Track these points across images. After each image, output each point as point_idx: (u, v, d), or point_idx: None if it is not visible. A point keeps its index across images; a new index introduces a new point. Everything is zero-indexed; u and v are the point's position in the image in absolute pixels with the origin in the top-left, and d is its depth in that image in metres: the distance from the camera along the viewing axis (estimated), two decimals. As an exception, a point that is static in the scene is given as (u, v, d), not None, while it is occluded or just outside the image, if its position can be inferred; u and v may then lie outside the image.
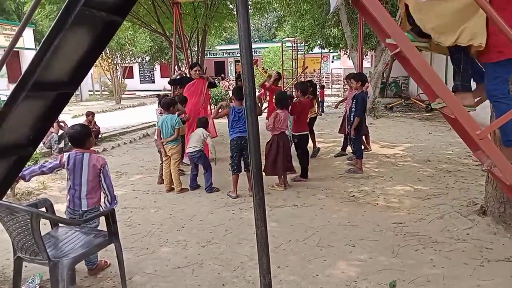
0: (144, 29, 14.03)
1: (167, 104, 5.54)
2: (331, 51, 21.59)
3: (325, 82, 26.35)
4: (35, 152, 3.66)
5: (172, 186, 5.64)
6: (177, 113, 5.74)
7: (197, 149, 5.53)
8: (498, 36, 2.12)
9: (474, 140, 2.08)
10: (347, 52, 15.50)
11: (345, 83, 19.82)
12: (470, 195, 4.94)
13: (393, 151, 7.77)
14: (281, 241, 3.90)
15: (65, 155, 3.24)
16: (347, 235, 4.01)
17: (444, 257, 3.47)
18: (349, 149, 7.04)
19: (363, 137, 7.44)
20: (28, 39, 20.36)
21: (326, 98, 16.65)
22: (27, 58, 19.58)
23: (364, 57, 13.94)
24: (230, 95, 7.93)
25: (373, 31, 12.92)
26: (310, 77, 23.76)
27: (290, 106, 5.75)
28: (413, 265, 3.36)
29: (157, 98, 6.82)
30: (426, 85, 2.44)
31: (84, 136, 3.25)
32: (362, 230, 4.13)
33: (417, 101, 14.39)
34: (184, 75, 7.75)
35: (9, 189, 4.02)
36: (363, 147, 7.46)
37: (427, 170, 6.30)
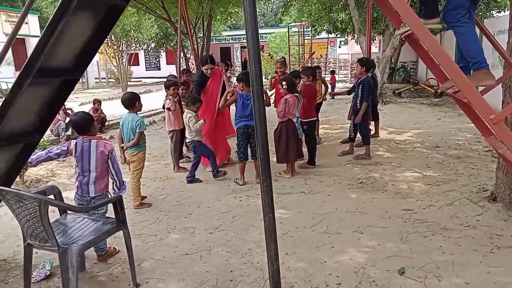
0: (149, 15, 13.91)
1: (128, 99, 4.43)
2: (338, 36, 21.28)
3: (332, 68, 26.08)
4: (43, 140, 3.67)
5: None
6: (188, 115, 5.32)
7: (190, 139, 5.41)
8: None
9: (486, 125, 2.02)
10: (354, 37, 15.28)
11: (353, 68, 19.67)
12: (480, 181, 4.88)
13: (401, 137, 7.69)
14: (289, 228, 3.89)
15: (73, 142, 3.24)
16: (355, 222, 3.98)
17: (453, 244, 3.44)
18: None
19: (374, 122, 7.36)
20: (33, 26, 20.35)
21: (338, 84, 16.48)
22: (33, 46, 19.52)
23: (372, 41, 13.73)
24: (234, 81, 7.54)
25: (381, 14, 12.72)
26: (317, 62, 23.52)
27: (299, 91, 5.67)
28: (422, 251, 3.33)
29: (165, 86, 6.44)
30: (437, 68, 2.37)
31: (87, 123, 3.24)
32: (370, 216, 4.10)
33: (426, 87, 14.19)
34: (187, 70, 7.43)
35: (18, 176, 4.04)
36: (372, 133, 7.41)
37: (436, 156, 6.22)
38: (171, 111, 5.85)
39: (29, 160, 3.13)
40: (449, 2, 2.37)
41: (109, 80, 26.92)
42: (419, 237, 3.61)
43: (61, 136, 8.29)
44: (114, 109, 12.35)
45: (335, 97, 9.05)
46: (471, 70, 2.45)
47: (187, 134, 5.51)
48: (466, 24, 2.34)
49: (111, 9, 2.70)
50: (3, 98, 2.63)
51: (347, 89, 7.47)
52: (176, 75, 8.32)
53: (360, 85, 6.17)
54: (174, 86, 6.05)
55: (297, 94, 5.48)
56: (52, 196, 3.04)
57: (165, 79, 6.85)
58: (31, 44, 19.68)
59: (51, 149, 3.27)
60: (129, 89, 20.38)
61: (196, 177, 5.50)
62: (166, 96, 6.06)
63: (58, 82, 2.82)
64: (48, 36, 2.40)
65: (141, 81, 27.66)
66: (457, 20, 2.33)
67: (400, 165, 5.87)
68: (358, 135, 6.49)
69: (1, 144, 2.75)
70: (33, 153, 3.24)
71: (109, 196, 3.29)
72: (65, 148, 3.21)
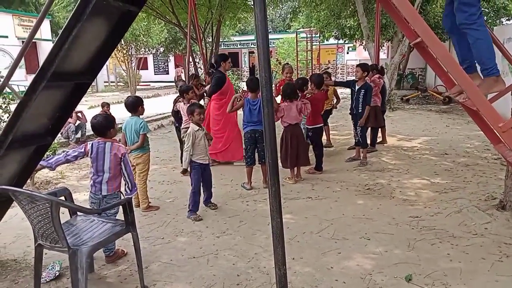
0: (159, 20, 14.05)
1: (131, 103, 4.48)
2: (347, 42, 21.30)
3: (340, 74, 26.10)
4: (53, 142, 3.72)
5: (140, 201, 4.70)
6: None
7: (195, 159, 4.46)
8: None
9: (495, 133, 2.03)
10: (362, 43, 15.28)
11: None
12: (488, 189, 4.85)
13: (409, 144, 7.66)
14: (296, 233, 3.90)
15: (89, 144, 3.34)
16: (362, 228, 3.98)
17: (461, 252, 3.42)
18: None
19: (380, 129, 7.35)
20: (45, 30, 20.63)
21: (341, 90, 16.43)
22: (44, 49, 19.88)
23: (381, 48, 13.71)
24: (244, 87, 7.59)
25: (390, 21, 12.73)
26: (325, 68, 23.51)
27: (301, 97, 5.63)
28: (430, 259, 3.32)
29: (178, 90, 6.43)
30: (446, 76, 2.38)
31: (105, 126, 3.33)
32: (377, 223, 4.10)
33: (435, 93, 14.13)
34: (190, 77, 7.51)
35: (29, 178, 4.11)
36: (379, 140, 7.41)
37: (444, 164, 6.19)
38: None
39: (48, 164, 3.19)
40: (459, 1, 2.32)
41: (118, 83, 27.19)
42: (426, 244, 3.59)
43: (71, 139, 8.39)
44: (123, 112, 12.49)
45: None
46: (473, 73, 2.45)
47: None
48: (482, 27, 2.31)
49: (124, 15, 2.76)
50: (18, 101, 2.69)
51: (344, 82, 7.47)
52: (184, 80, 8.39)
53: (362, 90, 6.16)
54: (191, 90, 6.12)
55: (303, 101, 5.47)
56: (63, 198, 3.09)
57: (173, 83, 6.94)
58: (43, 48, 19.97)
59: (68, 152, 3.33)
60: (138, 93, 20.57)
61: (196, 213, 4.44)
62: (178, 100, 6.09)
63: (71, 85, 2.88)
64: (63, 41, 2.46)
65: (149, 85, 27.88)
66: (473, 22, 2.29)
67: (407, 171, 5.85)
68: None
69: (14, 146, 2.80)
70: (50, 157, 3.31)
71: (121, 196, 3.35)
72: (82, 150, 3.29)
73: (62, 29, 2.45)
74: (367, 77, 6.33)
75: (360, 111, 6.18)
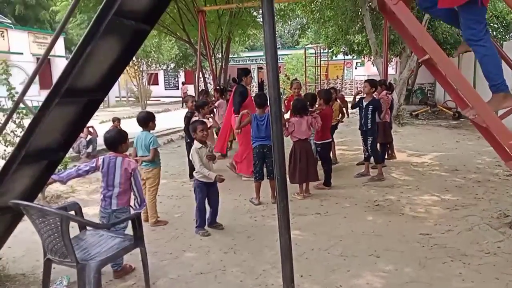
0: (170, 36, 14.31)
1: (142, 118, 4.55)
2: (355, 57, 21.41)
3: (349, 89, 26.14)
4: (64, 157, 3.77)
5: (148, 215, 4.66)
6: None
7: (197, 177, 4.36)
8: None
9: (506, 149, 2.01)
10: (371, 58, 15.34)
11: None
12: (500, 206, 4.77)
13: (419, 159, 7.60)
14: (304, 250, 3.86)
15: (100, 158, 3.38)
16: (372, 245, 3.93)
17: (473, 271, 3.35)
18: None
19: (388, 144, 7.32)
20: (59, 47, 21.11)
21: (348, 105, 16.42)
22: (57, 65, 20.32)
23: (389, 63, 13.75)
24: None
25: (398, 37, 12.77)
26: (333, 84, 23.62)
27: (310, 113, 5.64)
28: (441, 278, 3.26)
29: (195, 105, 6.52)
30: (455, 92, 2.38)
31: (118, 141, 3.39)
32: (387, 240, 4.04)
33: (444, 109, 14.06)
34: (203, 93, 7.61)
35: (40, 192, 4.15)
36: (386, 155, 7.36)
37: (455, 180, 6.12)
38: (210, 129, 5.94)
39: (59, 178, 3.24)
40: (466, 18, 2.37)
41: (129, 99, 27.57)
42: (438, 263, 3.53)
43: (82, 153, 8.48)
44: (133, 127, 12.62)
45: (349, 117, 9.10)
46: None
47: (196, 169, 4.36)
48: (488, 43, 2.34)
49: (136, 33, 2.82)
50: (32, 116, 2.75)
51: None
52: (194, 95, 8.49)
53: (370, 106, 6.15)
54: (207, 105, 6.19)
55: (314, 115, 5.49)
56: (73, 212, 3.12)
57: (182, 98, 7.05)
58: (56, 64, 20.41)
59: (79, 166, 3.38)
60: (148, 108, 20.80)
61: (205, 229, 4.40)
62: (194, 115, 6.14)
63: (83, 102, 2.94)
64: (76, 59, 2.52)
65: (160, 100, 28.21)
66: (480, 39, 2.32)
67: (417, 188, 5.79)
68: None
69: (27, 160, 2.85)
70: (61, 171, 3.36)
71: (130, 211, 3.37)
72: (94, 165, 3.33)
73: (76, 47, 2.52)
74: (375, 93, 6.34)
75: (369, 127, 6.17)
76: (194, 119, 6.06)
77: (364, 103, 6.23)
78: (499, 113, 2.49)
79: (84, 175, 3.38)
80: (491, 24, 13.72)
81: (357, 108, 6.52)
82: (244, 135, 6.36)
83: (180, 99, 24.11)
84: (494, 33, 13.85)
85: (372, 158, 6.44)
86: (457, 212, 4.74)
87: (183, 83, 27.38)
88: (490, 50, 2.34)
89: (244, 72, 6.61)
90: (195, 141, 4.40)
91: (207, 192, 4.39)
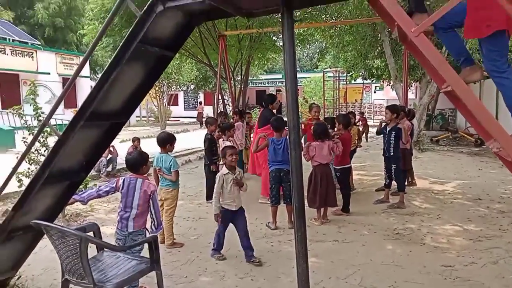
0: (191, 59, 14.64)
1: (161, 139, 4.60)
2: (374, 81, 21.38)
3: (367, 113, 25.99)
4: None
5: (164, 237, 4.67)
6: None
7: (223, 204, 4.20)
8: (480, 12, 2.28)
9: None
10: (390, 83, 15.30)
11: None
12: (527, 239, 4.59)
13: (440, 187, 7.42)
14: (321, 278, 3.78)
15: (121, 179, 3.42)
16: (391, 276, 3.82)
17: (499, 307, 3.21)
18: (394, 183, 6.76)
19: (408, 171, 7.19)
20: (84, 68, 21.83)
21: (369, 129, 16.31)
22: (82, 86, 20.98)
23: (409, 88, 13.69)
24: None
25: (418, 63, 12.72)
26: (351, 107, 23.55)
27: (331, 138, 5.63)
28: (465, 313, 3.13)
29: (220, 125, 6.62)
30: (478, 124, 2.34)
31: (139, 163, 3.43)
32: (407, 271, 3.92)
33: (466, 135, 13.78)
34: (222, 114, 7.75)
35: (61, 212, 4.23)
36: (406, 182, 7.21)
37: (478, 209, 5.93)
38: None
39: (80, 198, 3.29)
40: (491, 50, 2.36)
41: (149, 118, 28.12)
42: (460, 297, 3.40)
43: (101, 172, 8.63)
44: (153, 147, 12.81)
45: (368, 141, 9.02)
46: (472, 65, 2.49)
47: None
48: (510, 74, 2.32)
49: (160, 59, 2.91)
50: (57, 138, 2.83)
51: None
52: (214, 117, 8.61)
53: (393, 132, 6.10)
54: (233, 128, 6.27)
55: (334, 140, 5.47)
56: (91, 233, 3.15)
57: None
58: (81, 85, 21.06)
59: (100, 187, 3.43)
60: (168, 128, 21.16)
61: (221, 253, 4.32)
62: (222, 137, 6.21)
63: (106, 125, 3.02)
64: (102, 83, 2.61)
65: (179, 120, 28.66)
66: (504, 71, 2.31)
67: (439, 217, 5.63)
68: (394, 183, 6.35)
69: (50, 180, 2.92)
70: (82, 191, 3.42)
71: (146, 234, 3.38)
72: (114, 185, 3.37)
73: (102, 72, 2.61)
74: (398, 120, 6.28)
75: (392, 154, 6.11)
76: (221, 142, 6.12)
77: (388, 129, 6.19)
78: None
79: (104, 195, 3.43)
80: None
81: (382, 135, 6.48)
82: (263, 157, 6.41)
83: (195, 119, 24.50)
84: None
85: (392, 185, 6.33)
86: (480, 244, 4.57)
87: (200, 103, 27.88)
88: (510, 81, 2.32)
89: (271, 99, 6.85)
90: (223, 167, 4.30)
91: (232, 218, 4.24)
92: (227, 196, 4.15)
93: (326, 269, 4.00)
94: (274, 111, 6.86)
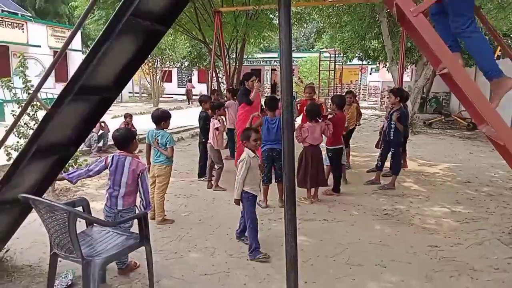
0: (185, 35, 14.37)
1: (157, 116, 4.59)
2: (370, 63, 21.23)
3: (362, 94, 25.94)
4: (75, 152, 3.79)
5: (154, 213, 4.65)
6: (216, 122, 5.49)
7: (249, 189, 3.88)
8: None
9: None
10: (386, 65, 15.20)
11: (383, 96, 19.47)
12: (513, 222, 4.68)
13: (431, 169, 7.49)
14: (310, 256, 3.83)
15: (110, 156, 3.38)
16: (379, 255, 3.88)
17: (481, 287, 3.29)
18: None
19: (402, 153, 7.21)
20: (75, 41, 21.33)
21: (362, 111, 16.26)
22: (73, 59, 20.57)
23: (404, 70, 13.60)
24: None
25: (415, 45, 12.63)
26: (346, 88, 23.45)
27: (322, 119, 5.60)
28: (448, 292, 3.20)
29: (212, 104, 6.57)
30: (473, 108, 2.33)
31: (127, 140, 3.39)
32: (394, 250, 3.99)
33: (459, 119, 13.85)
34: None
35: (49, 186, 4.20)
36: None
37: (466, 192, 6.02)
38: (219, 131, 5.94)
39: (69, 177, 3.26)
40: (452, 10, 2.43)
41: (142, 95, 27.80)
42: (445, 276, 3.47)
43: (92, 147, 8.57)
44: (145, 124, 12.70)
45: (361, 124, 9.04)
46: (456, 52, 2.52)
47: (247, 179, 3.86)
48: (474, 34, 2.39)
49: (152, 34, 2.83)
50: (45, 112, 2.77)
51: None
52: (207, 94, 8.52)
53: (393, 114, 6.08)
54: (223, 107, 6.20)
55: (326, 122, 5.45)
56: (80, 208, 3.14)
57: (196, 96, 7.08)
58: (72, 58, 20.65)
59: (90, 166, 3.39)
60: (160, 105, 20.96)
61: (260, 250, 3.80)
62: (213, 116, 6.15)
63: (96, 99, 2.96)
64: (91, 57, 2.53)
65: (172, 97, 28.37)
66: (463, 31, 2.39)
67: (428, 198, 5.71)
68: (386, 164, 6.39)
69: (38, 155, 2.88)
70: (73, 170, 3.39)
71: (136, 210, 3.37)
72: (103, 164, 3.34)
73: (92, 45, 2.53)
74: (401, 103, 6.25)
75: (392, 138, 6.11)
76: (212, 120, 6.03)
77: (391, 113, 6.16)
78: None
79: (94, 175, 3.39)
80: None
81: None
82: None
83: (194, 96, 24.28)
84: None
85: (383, 167, 6.38)
86: (467, 226, 4.66)
87: (189, 81, 27.56)
88: (475, 40, 2.38)
89: (246, 76, 6.66)
90: (246, 150, 3.94)
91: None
92: (254, 180, 3.89)
93: (315, 247, 4.05)
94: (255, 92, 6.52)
